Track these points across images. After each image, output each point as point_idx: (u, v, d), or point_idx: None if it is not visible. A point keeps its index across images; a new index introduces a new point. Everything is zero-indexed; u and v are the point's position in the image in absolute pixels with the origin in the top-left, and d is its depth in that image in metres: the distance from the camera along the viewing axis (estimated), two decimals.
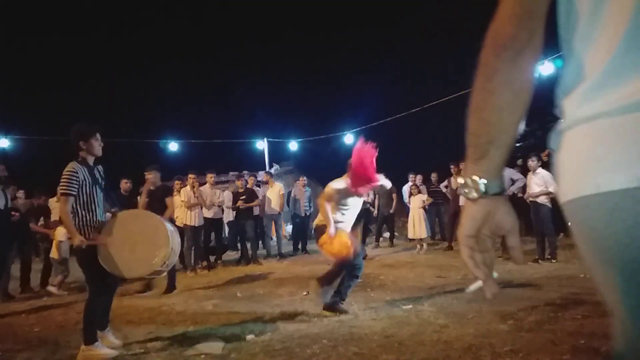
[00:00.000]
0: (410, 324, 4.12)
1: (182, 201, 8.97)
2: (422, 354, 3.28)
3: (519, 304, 4.50)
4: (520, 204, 10.93)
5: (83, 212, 3.88)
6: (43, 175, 8.54)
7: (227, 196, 10.59)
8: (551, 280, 5.77)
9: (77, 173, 3.84)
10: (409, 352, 3.35)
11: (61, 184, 3.81)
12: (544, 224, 7.54)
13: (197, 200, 9.04)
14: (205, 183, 9.73)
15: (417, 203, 10.52)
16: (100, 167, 4.16)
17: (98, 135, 4.03)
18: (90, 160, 4.03)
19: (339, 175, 8.04)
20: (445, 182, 10.88)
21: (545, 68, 9.54)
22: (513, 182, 8.38)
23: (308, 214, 11.79)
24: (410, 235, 10.55)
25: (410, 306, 4.80)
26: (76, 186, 3.83)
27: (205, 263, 9.41)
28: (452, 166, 10.29)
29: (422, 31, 39.49)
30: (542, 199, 7.58)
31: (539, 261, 7.37)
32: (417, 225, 10.34)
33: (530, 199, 7.72)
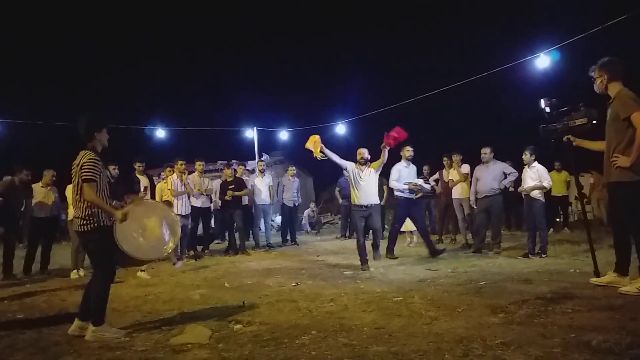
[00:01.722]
0: (401, 316, 4.08)
1: (169, 189, 8.86)
2: (413, 346, 3.24)
3: (510, 298, 4.49)
4: (512, 198, 11.02)
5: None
6: (25, 160, 8.28)
7: (216, 185, 10.50)
8: (541, 274, 5.77)
9: (98, 161, 4.01)
10: (400, 344, 3.31)
11: (86, 171, 3.91)
12: (536, 218, 7.55)
13: (185, 189, 8.93)
14: (193, 171, 9.61)
15: None
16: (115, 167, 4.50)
17: (107, 128, 4.22)
18: (99, 149, 4.16)
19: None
20: (436, 175, 10.81)
21: (542, 61, 9.52)
22: (506, 175, 8.36)
23: (296, 204, 11.72)
24: (402, 228, 10.50)
25: (401, 298, 4.76)
26: (99, 173, 3.98)
27: (192, 252, 9.33)
28: (444, 158, 10.26)
29: (416, 21, 39.44)
30: (536, 194, 7.58)
31: (529, 255, 7.38)
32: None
33: (524, 192, 7.71)
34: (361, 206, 7.13)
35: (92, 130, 4.11)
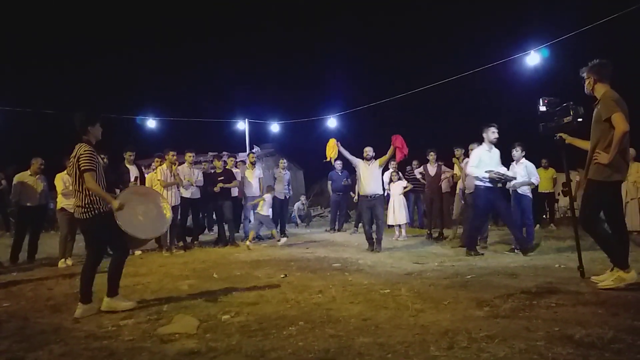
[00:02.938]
0: (388, 308, 4.12)
1: (159, 180, 8.82)
2: (399, 338, 3.28)
3: (495, 292, 4.54)
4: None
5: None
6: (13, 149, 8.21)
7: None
8: (527, 269, 5.84)
9: (94, 153, 4.37)
10: (386, 335, 3.34)
11: (84, 162, 4.26)
12: (524, 214, 7.62)
13: (174, 179, 8.89)
14: (183, 162, 9.56)
15: (397, 190, 10.56)
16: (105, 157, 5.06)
17: (100, 122, 4.63)
18: (93, 142, 4.53)
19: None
20: (421, 169, 10.82)
21: (532, 58, 9.58)
22: None
23: (287, 196, 11.73)
24: (390, 222, 10.56)
25: (388, 291, 4.80)
26: (96, 163, 4.34)
27: (181, 243, 9.31)
28: (431, 153, 10.31)
29: (408, 17, 39.42)
30: (524, 190, 7.65)
31: (515, 250, 7.46)
32: (396, 211, 10.37)
33: (513, 188, 7.77)
34: (367, 196, 8.28)
35: (87, 125, 4.46)
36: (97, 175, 4.32)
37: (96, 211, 4.34)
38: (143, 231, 4.83)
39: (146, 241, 5.36)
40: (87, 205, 4.32)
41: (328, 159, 8.60)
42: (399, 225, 10.42)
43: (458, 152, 9.46)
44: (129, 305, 4.47)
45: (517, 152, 7.76)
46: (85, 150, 4.30)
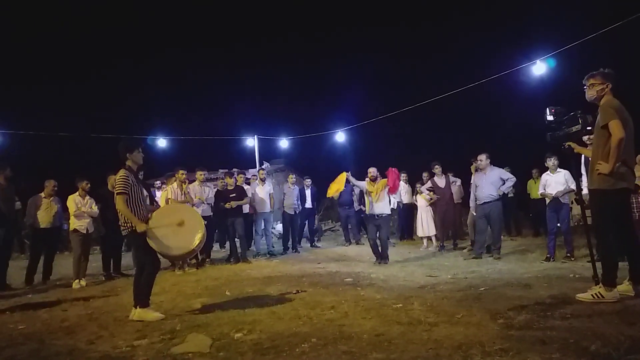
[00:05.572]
0: (400, 323, 4.09)
1: (169, 198, 8.88)
2: (412, 353, 3.26)
3: (509, 303, 4.50)
4: (512, 204, 11.02)
5: (133, 208, 4.88)
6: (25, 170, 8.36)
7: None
8: (541, 280, 5.79)
9: (128, 177, 4.89)
10: (399, 351, 3.32)
11: (118, 185, 4.84)
12: (563, 221, 7.89)
13: (185, 198, 8.94)
14: (194, 180, 9.64)
15: (423, 201, 10.89)
16: (141, 173, 5.37)
17: (140, 148, 5.17)
18: (134, 167, 5.09)
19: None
20: (429, 184, 10.71)
21: (538, 67, 9.56)
22: (503, 181, 8.38)
23: (297, 212, 11.73)
24: (419, 233, 11.01)
25: (400, 305, 4.78)
26: (128, 187, 4.85)
27: (193, 261, 9.32)
28: (436, 166, 10.28)
29: (414, 29, 39.64)
30: (566, 198, 7.76)
31: (570, 257, 7.65)
32: (424, 223, 10.81)
33: (553, 197, 7.84)
34: (373, 215, 8.48)
35: (126, 152, 5.01)
36: (131, 198, 4.85)
37: (132, 228, 4.87)
38: (171, 248, 5.05)
39: (182, 256, 5.66)
40: (123, 224, 4.93)
41: (330, 196, 9.16)
42: (428, 237, 10.78)
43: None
44: (158, 316, 4.87)
45: (551, 161, 7.82)
46: (120, 176, 4.89)
